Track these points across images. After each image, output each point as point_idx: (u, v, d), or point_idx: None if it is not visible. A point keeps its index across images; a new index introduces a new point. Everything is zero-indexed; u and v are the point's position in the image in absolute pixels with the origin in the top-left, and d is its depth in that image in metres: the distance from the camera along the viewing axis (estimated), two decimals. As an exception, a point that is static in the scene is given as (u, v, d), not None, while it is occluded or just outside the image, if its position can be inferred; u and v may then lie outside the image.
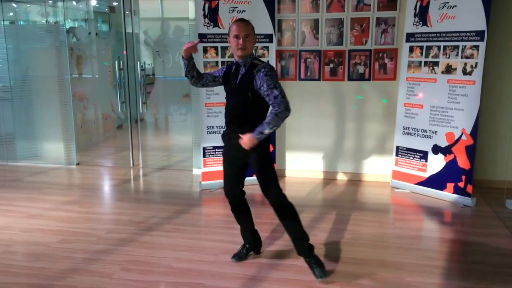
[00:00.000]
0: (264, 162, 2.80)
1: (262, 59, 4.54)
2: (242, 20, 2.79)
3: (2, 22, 5.79)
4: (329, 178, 4.99)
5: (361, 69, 4.68)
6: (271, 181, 2.81)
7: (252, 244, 3.15)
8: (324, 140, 4.95)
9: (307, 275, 2.87)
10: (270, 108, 2.64)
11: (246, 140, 2.62)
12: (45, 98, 5.64)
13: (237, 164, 2.92)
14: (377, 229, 3.65)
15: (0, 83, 5.77)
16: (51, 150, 5.71)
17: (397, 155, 4.61)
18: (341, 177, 4.99)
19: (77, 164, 5.68)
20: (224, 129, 2.97)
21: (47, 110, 5.66)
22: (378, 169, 4.89)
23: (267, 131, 2.59)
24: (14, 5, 7.02)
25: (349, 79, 4.74)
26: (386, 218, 3.92)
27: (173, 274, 2.92)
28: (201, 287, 2.77)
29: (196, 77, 2.98)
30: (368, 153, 4.89)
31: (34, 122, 5.75)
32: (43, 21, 7.12)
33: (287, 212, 2.85)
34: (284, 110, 2.57)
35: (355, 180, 4.93)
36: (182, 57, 2.89)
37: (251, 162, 2.82)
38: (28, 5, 7.27)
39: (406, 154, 4.54)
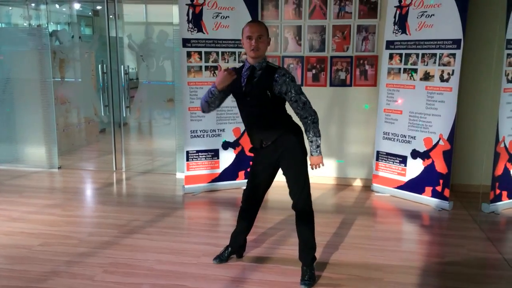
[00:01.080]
0: (299, 166, 2.81)
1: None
2: (254, 21, 2.81)
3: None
4: (312, 182, 5.01)
5: (342, 75, 4.77)
6: (303, 187, 2.83)
7: (235, 248, 3.18)
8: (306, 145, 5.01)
9: (289, 277, 2.92)
10: (304, 118, 2.72)
11: (314, 162, 2.82)
12: (27, 101, 5.59)
13: (267, 172, 2.91)
14: (358, 231, 3.72)
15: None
16: (33, 153, 5.66)
17: (377, 159, 4.70)
18: (323, 181, 5.05)
19: (59, 167, 5.64)
20: (252, 144, 2.92)
21: (28, 113, 5.61)
22: (359, 173, 4.98)
23: (319, 141, 2.78)
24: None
25: (331, 85, 4.82)
26: (366, 221, 3.99)
27: (155, 276, 2.93)
28: (183, 288, 2.80)
29: (217, 106, 2.91)
30: (350, 158, 4.98)
31: (16, 125, 5.70)
32: (25, 24, 7.06)
33: (307, 219, 2.88)
34: (316, 115, 2.74)
35: (337, 184, 5.01)
36: (216, 88, 2.76)
37: (285, 165, 2.83)
38: (10, 8, 7.20)
39: (386, 159, 4.64)
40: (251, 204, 3.04)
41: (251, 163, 3.04)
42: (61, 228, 3.72)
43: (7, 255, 3.23)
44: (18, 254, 3.23)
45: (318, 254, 3.25)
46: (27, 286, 2.80)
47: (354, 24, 4.66)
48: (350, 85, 4.79)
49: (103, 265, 3.07)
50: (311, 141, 2.76)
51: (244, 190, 3.05)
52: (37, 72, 5.51)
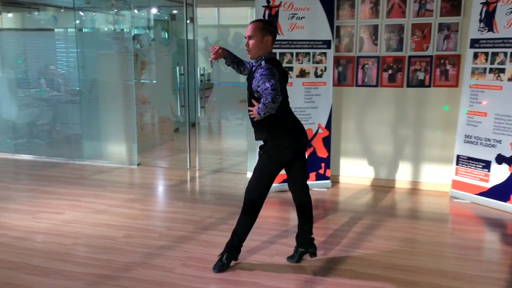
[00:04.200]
0: (262, 164, 2.95)
1: (320, 65, 4.60)
2: (251, 22, 2.89)
3: (75, 29, 6.19)
4: (385, 186, 4.92)
5: (421, 75, 4.60)
6: (253, 178, 2.97)
7: (304, 246, 3.15)
8: (381, 147, 4.90)
9: (363, 281, 2.87)
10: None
11: (254, 112, 2.77)
12: (110, 101, 5.93)
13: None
14: (435, 238, 3.58)
15: (70, 87, 6.15)
16: (115, 150, 6.01)
17: (457, 164, 4.47)
18: (398, 185, 4.90)
19: (138, 164, 5.94)
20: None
21: (111, 113, 5.96)
22: (437, 178, 4.76)
23: (262, 114, 2.69)
24: (81, 13, 7.47)
25: (408, 85, 4.66)
26: (444, 228, 3.83)
27: (230, 273, 3.00)
28: (257, 286, 2.84)
29: (237, 67, 3.17)
30: (427, 162, 4.78)
31: (100, 124, 6.07)
32: (106, 29, 7.52)
33: (243, 209, 3.03)
34: (270, 102, 2.63)
35: (413, 189, 4.83)
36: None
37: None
38: (94, 14, 7.71)
39: (467, 164, 4.40)
40: (294, 195, 3.14)
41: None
42: (141, 222, 3.92)
43: (94, 245, 3.46)
44: (103, 245, 3.45)
45: (395, 258, 3.17)
46: (112, 275, 2.98)
47: (435, 22, 4.47)
48: (429, 86, 4.60)
49: (181, 259, 3.20)
50: (259, 108, 2.68)
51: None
52: (120, 74, 5.83)
